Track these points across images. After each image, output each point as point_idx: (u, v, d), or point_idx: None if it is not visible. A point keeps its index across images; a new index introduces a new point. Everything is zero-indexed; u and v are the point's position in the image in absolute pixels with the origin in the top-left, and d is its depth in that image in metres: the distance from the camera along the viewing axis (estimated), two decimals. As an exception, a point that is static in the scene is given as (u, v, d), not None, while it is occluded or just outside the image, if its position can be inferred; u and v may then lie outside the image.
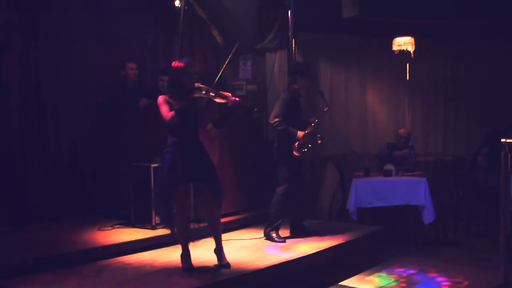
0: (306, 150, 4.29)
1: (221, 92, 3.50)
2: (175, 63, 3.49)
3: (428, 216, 4.99)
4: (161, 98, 3.44)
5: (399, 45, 5.87)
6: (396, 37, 5.89)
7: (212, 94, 3.43)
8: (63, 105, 4.91)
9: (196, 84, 3.46)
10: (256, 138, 5.58)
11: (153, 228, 4.33)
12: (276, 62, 6.16)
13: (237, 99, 3.47)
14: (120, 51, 5.25)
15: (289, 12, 5.49)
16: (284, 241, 4.29)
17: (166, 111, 3.39)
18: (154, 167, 4.34)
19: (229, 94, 3.50)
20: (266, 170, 5.64)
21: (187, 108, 3.37)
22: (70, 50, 4.92)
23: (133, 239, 4.08)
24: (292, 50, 5.50)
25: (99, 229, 4.35)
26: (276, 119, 4.27)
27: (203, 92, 3.42)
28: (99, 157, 4.96)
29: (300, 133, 4.27)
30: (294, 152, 4.26)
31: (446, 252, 4.99)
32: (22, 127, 4.69)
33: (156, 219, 4.33)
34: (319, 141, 4.34)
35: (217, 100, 3.45)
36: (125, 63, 4.94)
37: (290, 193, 4.36)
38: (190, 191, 3.54)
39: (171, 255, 3.89)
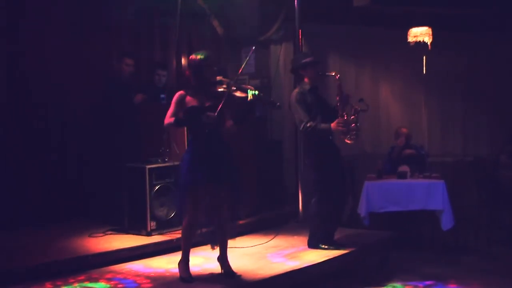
0: (355, 132, 4.03)
1: (243, 85, 3.50)
2: (193, 56, 3.49)
3: (447, 222, 4.96)
4: (176, 96, 3.47)
5: (415, 36, 5.83)
6: (411, 27, 5.85)
7: (233, 88, 3.42)
8: (52, 104, 4.91)
9: (218, 77, 3.46)
10: (259, 138, 5.56)
11: (148, 234, 4.32)
12: (281, 55, 6.14)
13: (257, 92, 3.44)
14: (113, 43, 5.25)
15: (295, 0, 5.46)
16: (337, 248, 4.19)
17: (169, 114, 3.43)
18: (150, 168, 4.34)
19: (251, 87, 3.49)
20: (271, 172, 5.63)
21: (189, 123, 3.45)
22: (59, 43, 4.92)
23: (127, 246, 4.07)
24: (299, 42, 5.47)
25: (89, 236, 4.34)
26: (302, 124, 4.12)
27: (224, 86, 3.41)
28: (92, 158, 4.96)
29: (333, 124, 4.04)
30: (347, 141, 4.07)
31: (466, 261, 4.96)
32: (8, 128, 4.69)
33: (151, 225, 4.33)
34: (358, 108, 4.05)
35: (238, 94, 3.43)
36: (122, 57, 4.92)
37: (326, 199, 4.18)
38: (205, 194, 3.50)
39: (167, 263, 3.88)
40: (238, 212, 3.68)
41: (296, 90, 4.28)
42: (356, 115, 4.08)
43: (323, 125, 4.10)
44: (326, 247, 4.23)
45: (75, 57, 5.02)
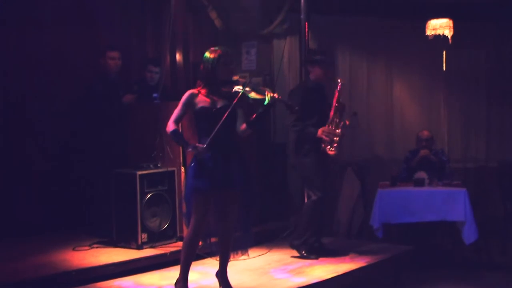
0: (336, 144, 4.31)
1: (260, 87, 3.54)
2: (208, 52, 3.51)
3: (469, 235, 4.93)
4: (185, 95, 3.48)
5: (434, 29, 5.80)
6: (430, 19, 5.83)
7: (247, 89, 3.45)
8: (33, 103, 4.91)
9: (234, 77, 3.50)
10: (261, 140, 5.54)
11: (139, 247, 4.31)
12: (285, 50, 6.13)
13: (276, 95, 3.49)
14: (100, 36, 5.25)
15: (301, -10, 5.46)
16: (317, 258, 4.37)
17: (173, 116, 3.45)
18: (140, 175, 4.33)
19: (269, 89, 3.52)
20: (274, 178, 5.61)
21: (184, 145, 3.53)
22: (42, 36, 4.91)
23: (115, 261, 4.05)
24: (305, 36, 5.47)
25: (74, 249, 4.32)
26: (290, 121, 4.34)
27: (240, 87, 3.44)
28: (77, 163, 4.96)
29: (319, 130, 4.31)
30: (329, 152, 4.32)
31: (491, 277, 4.93)
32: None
33: (142, 237, 4.31)
34: (347, 122, 4.36)
35: (254, 96, 3.47)
36: (104, 51, 4.92)
37: (323, 201, 4.43)
38: (212, 201, 3.51)
39: (160, 280, 3.86)
40: (251, 221, 3.67)
41: (302, 84, 4.47)
42: (343, 129, 4.36)
43: (310, 129, 4.33)
44: (306, 254, 4.40)
45: (67, 56, 5.03)
